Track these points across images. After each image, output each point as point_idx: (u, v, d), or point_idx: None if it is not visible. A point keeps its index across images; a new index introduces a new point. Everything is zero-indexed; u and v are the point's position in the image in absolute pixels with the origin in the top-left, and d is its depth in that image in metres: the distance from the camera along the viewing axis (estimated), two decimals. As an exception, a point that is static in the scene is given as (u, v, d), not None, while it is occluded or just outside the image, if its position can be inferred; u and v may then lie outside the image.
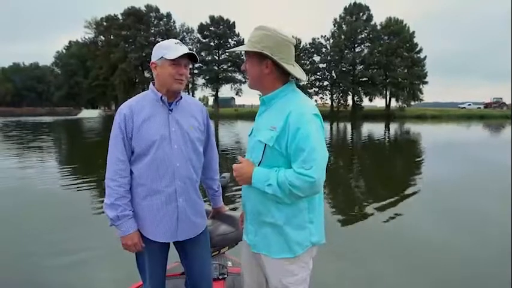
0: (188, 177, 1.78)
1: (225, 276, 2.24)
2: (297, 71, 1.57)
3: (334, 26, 52.00)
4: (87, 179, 8.34)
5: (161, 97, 1.75)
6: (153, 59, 1.74)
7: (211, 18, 53.59)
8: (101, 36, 56.33)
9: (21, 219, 5.46)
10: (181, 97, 1.81)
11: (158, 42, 1.85)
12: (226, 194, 2.37)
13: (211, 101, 59.32)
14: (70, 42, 70.45)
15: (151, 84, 1.80)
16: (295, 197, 1.44)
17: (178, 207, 1.75)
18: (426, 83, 50.79)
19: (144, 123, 1.71)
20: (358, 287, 3.50)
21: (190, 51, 1.73)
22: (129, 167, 1.73)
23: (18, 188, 7.68)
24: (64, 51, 72.49)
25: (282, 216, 1.52)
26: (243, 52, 1.62)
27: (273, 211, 1.53)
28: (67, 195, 7.06)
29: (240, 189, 1.75)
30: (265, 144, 1.50)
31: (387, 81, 49.84)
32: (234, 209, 3.00)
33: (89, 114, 53.00)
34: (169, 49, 1.70)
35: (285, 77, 1.58)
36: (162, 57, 1.70)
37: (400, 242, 4.65)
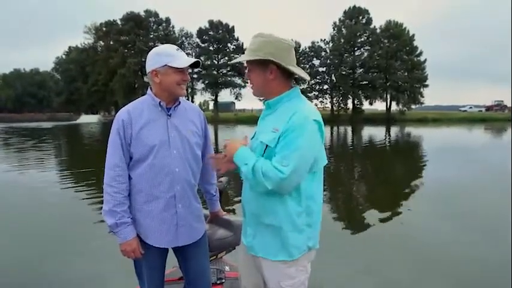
0: (187, 182, 1.78)
1: (223, 281, 2.24)
2: (301, 72, 1.60)
3: (334, 30, 52.27)
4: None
5: (160, 103, 1.75)
6: (153, 66, 1.72)
7: (210, 22, 53.79)
8: (100, 42, 56.56)
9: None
10: (179, 102, 1.81)
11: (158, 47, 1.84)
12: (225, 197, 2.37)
13: (211, 106, 59.43)
14: (70, 47, 70.51)
15: (149, 89, 1.80)
16: (263, 187, 1.45)
17: (177, 213, 1.75)
18: (427, 86, 50.83)
19: (143, 129, 1.71)
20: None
21: (197, 60, 1.74)
22: (127, 173, 1.72)
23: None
24: (64, 56, 72.69)
25: (281, 219, 1.53)
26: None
27: (271, 213, 1.54)
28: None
29: (238, 193, 1.75)
30: (266, 146, 1.52)
31: (387, 84, 49.91)
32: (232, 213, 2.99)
33: (88, 120, 53.05)
34: (173, 57, 1.70)
35: (289, 81, 1.61)
36: (165, 65, 1.69)
37: (409, 245, 4.63)
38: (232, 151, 1.56)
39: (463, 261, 4.07)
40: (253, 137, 1.69)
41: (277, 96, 1.60)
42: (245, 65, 1.64)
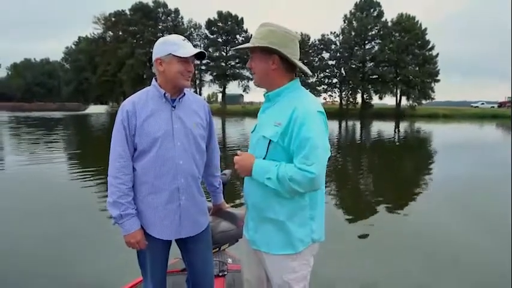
0: (191, 175, 1.77)
1: (225, 273, 2.24)
2: (302, 66, 1.58)
3: (344, 22, 51.61)
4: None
5: (164, 94, 1.73)
6: (158, 54, 1.71)
7: (219, 14, 53.53)
8: (109, 32, 56.65)
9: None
10: (184, 94, 1.80)
11: None
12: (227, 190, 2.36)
13: (220, 98, 59.41)
14: (79, 37, 70.84)
15: (153, 80, 1.79)
16: (294, 192, 1.45)
17: (180, 206, 1.75)
18: (438, 81, 49.95)
19: (147, 120, 1.70)
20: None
21: (201, 50, 1.72)
22: (131, 164, 1.72)
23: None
24: (73, 46, 73.07)
25: (284, 212, 1.52)
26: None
27: (274, 207, 1.52)
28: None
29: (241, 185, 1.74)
30: (269, 140, 1.50)
31: (398, 79, 49.17)
32: (235, 206, 2.99)
33: (97, 110, 53.41)
34: (178, 46, 1.68)
35: (291, 73, 1.59)
36: (170, 53, 1.68)
37: (418, 242, 4.58)
38: (247, 169, 1.53)
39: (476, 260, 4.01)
40: (253, 131, 1.67)
41: (277, 89, 1.57)
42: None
